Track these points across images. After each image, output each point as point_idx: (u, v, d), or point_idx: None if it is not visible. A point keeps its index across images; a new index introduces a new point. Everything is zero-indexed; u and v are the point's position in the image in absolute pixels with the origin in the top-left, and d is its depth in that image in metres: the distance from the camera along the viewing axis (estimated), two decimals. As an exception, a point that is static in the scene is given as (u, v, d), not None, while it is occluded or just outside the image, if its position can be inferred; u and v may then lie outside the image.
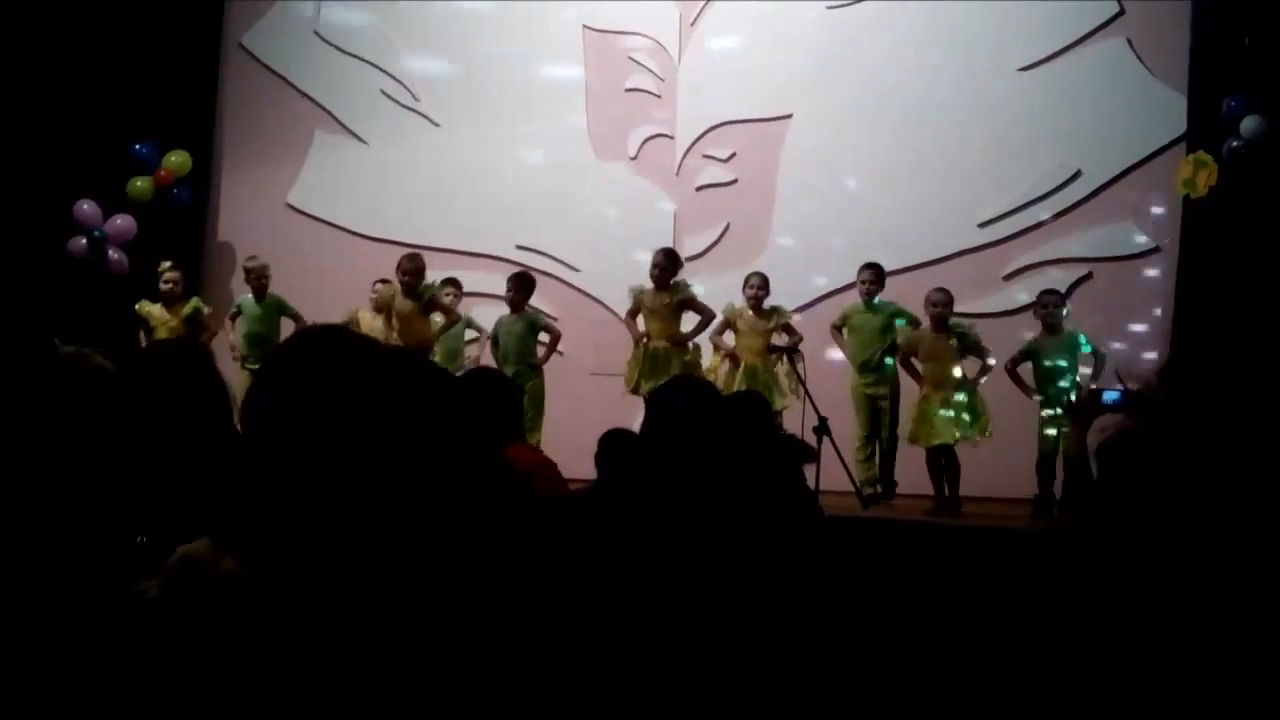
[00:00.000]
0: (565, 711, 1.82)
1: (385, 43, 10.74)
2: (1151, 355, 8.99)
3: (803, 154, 9.97)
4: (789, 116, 10.00)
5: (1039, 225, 9.47)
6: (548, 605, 1.80)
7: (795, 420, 7.85)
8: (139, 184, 10.22)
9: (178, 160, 10.36)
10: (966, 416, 7.91)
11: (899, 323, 8.38)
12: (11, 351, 2.35)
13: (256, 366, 9.02)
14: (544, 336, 8.86)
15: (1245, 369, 1.07)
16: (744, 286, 8.56)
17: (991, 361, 8.10)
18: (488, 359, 8.81)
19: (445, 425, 1.74)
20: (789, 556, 3.00)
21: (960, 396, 7.94)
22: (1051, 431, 7.87)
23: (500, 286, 9.11)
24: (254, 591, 1.59)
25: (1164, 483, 1.05)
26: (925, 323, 8.22)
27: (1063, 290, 8.64)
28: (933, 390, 8.01)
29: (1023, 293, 9.12)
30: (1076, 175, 9.42)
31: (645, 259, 8.83)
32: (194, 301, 9.38)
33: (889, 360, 8.33)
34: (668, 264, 8.53)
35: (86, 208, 10.09)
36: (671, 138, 10.20)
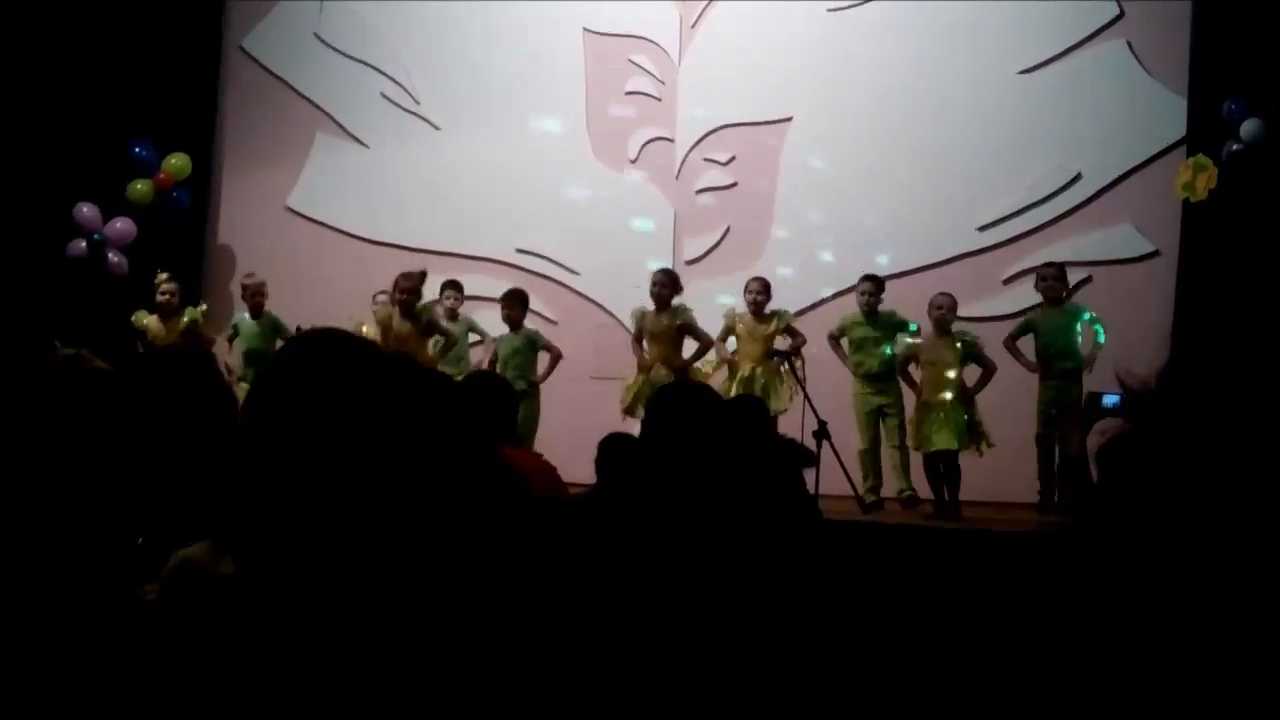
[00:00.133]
0: (564, 714, 1.82)
1: (386, 46, 10.74)
2: (1151, 358, 8.97)
3: (803, 157, 9.97)
4: (789, 120, 10.01)
5: (1039, 228, 9.47)
6: (546, 609, 1.79)
7: (795, 424, 7.84)
8: (139, 187, 10.22)
9: (177, 163, 10.37)
10: (965, 428, 7.87)
11: (911, 327, 8.31)
12: (11, 353, 2.35)
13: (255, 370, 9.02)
14: (544, 355, 8.81)
15: (1246, 372, 1.07)
16: (744, 291, 8.55)
17: (993, 370, 8.06)
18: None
19: (445, 427, 1.74)
20: (788, 561, 3.00)
21: (958, 408, 7.90)
22: (1049, 404, 7.85)
23: (500, 289, 9.11)
24: (253, 594, 1.59)
25: (1165, 486, 1.05)
26: (928, 326, 8.19)
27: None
28: (931, 394, 7.99)
29: (1023, 296, 9.12)
30: (1076, 178, 9.42)
31: (645, 263, 8.83)
32: (190, 312, 9.33)
33: (891, 369, 8.28)
34: (669, 283, 8.51)
35: (86, 210, 10.09)
36: (671, 141, 10.20)
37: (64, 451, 2.12)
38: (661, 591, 2.47)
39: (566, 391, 8.95)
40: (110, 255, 10.11)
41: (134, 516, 2.18)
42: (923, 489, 8.06)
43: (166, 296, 9.25)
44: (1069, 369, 7.93)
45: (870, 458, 8.22)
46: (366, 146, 10.74)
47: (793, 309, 8.98)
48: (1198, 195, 8.58)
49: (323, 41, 10.82)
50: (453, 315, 9.05)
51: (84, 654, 1.77)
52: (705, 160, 10.14)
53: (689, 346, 8.53)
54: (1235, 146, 8.45)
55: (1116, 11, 9.43)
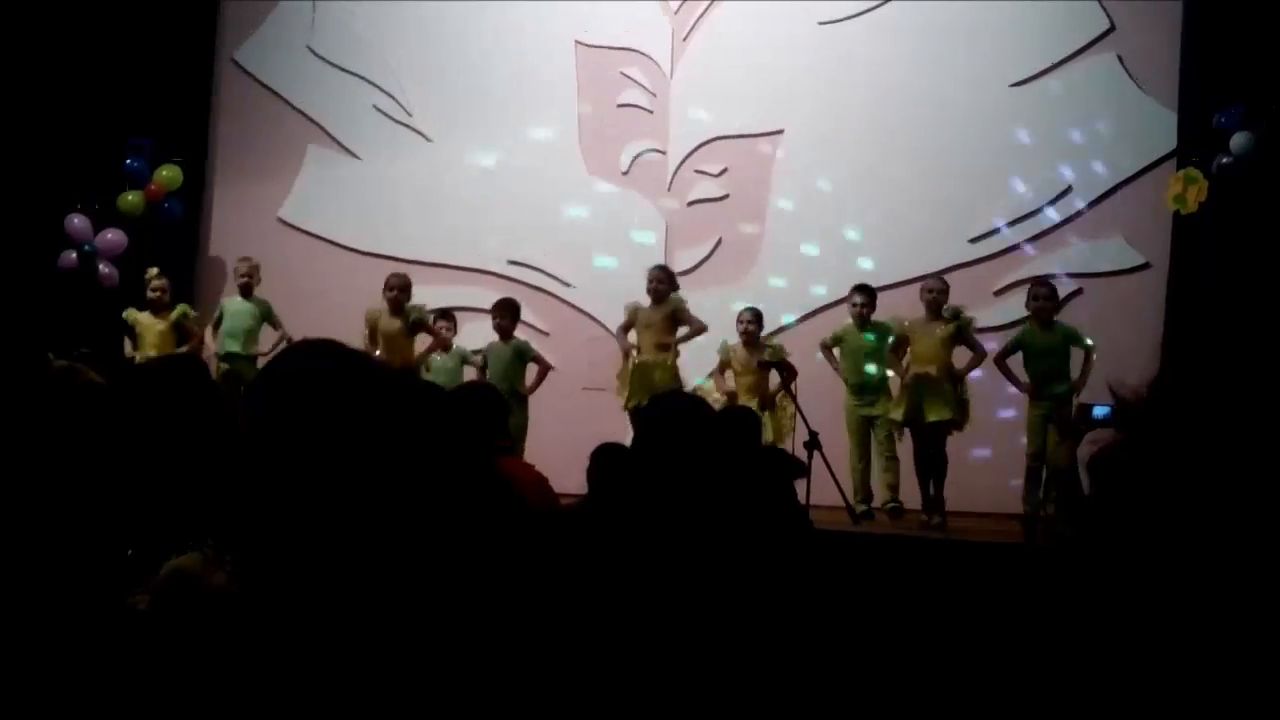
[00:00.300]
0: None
1: (378, 58, 10.75)
2: (1142, 370, 8.98)
3: (794, 169, 9.99)
4: (780, 132, 10.02)
5: (1030, 240, 9.50)
6: (541, 620, 1.79)
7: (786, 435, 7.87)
8: (130, 198, 10.21)
9: (169, 174, 10.36)
10: (957, 403, 7.93)
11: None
12: (3, 366, 2.35)
13: (235, 350, 9.06)
14: (533, 366, 8.84)
15: (1237, 384, 1.07)
16: (736, 322, 8.56)
17: (983, 354, 8.11)
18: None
19: (440, 438, 1.74)
20: (779, 571, 3.00)
21: (946, 385, 7.94)
22: (1041, 427, 7.85)
23: (492, 301, 9.11)
24: (245, 605, 1.59)
25: (1156, 497, 1.05)
26: (920, 311, 8.23)
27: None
28: (922, 369, 8.01)
29: (1014, 308, 9.13)
30: (1067, 191, 9.45)
31: (637, 274, 8.84)
32: (181, 307, 9.37)
33: (884, 379, 8.30)
34: (665, 279, 8.59)
35: (77, 222, 10.08)
36: (663, 153, 10.22)
37: (55, 463, 2.12)
38: (653, 602, 2.47)
39: (558, 403, 8.96)
40: (101, 266, 10.09)
41: (125, 527, 2.18)
42: (910, 486, 8.06)
43: (158, 293, 9.27)
44: (1060, 393, 7.90)
45: (861, 469, 8.24)
46: (359, 158, 10.75)
47: (784, 320, 8.98)
48: (1188, 208, 8.61)
49: (315, 54, 10.83)
50: (446, 347, 9.04)
51: (75, 663, 1.76)
52: (697, 172, 10.16)
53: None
54: (1225, 159, 8.48)
55: (1107, 25, 9.45)
